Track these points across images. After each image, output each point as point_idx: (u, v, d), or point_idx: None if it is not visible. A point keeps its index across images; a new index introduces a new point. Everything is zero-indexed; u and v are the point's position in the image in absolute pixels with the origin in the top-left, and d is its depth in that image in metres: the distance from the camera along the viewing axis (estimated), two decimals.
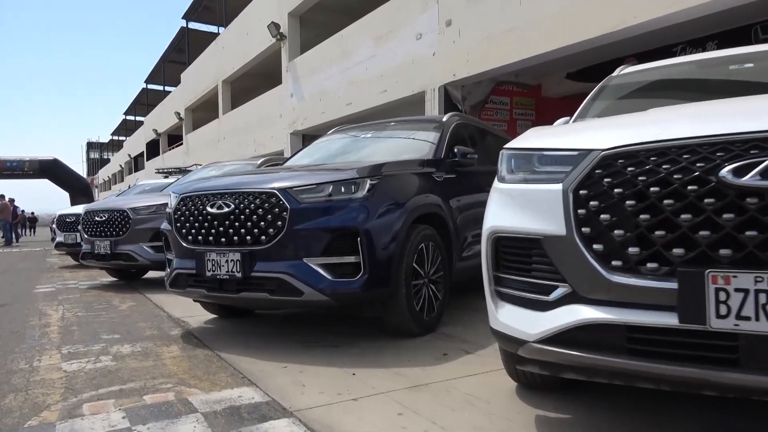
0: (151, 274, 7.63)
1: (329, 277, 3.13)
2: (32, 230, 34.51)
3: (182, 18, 23.43)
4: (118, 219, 6.43)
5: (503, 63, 7.00)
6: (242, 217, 3.25)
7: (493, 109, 8.75)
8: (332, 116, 11.58)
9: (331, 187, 3.24)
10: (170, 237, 3.72)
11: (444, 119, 4.65)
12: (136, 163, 38.24)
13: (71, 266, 10.08)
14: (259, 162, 7.14)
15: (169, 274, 3.72)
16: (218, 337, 3.74)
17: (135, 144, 37.84)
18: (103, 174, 56.53)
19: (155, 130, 29.81)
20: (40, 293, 6.39)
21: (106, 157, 63.88)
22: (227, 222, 3.30)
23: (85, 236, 6.76)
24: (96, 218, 6.60)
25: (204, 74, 21.08)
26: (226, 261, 3.28)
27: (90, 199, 28.83)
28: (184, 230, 3.53)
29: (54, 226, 10.96)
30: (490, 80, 8.67)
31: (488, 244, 2.01)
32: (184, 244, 3.51)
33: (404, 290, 3.36)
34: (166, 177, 11.44)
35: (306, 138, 13.72)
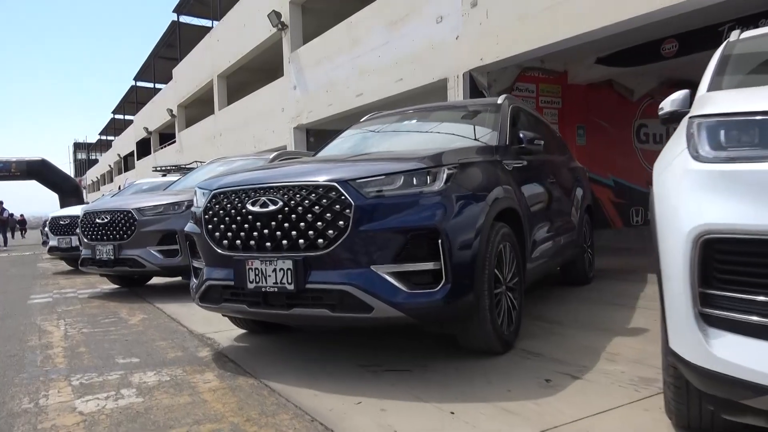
0: (156, 280, 7.01)
1: (404, 289, 2.54)
2: (22, 233, 33.51)
3: (173, 11, 22.67)
4: (122, 221, 5.79)
5: (541, 44, 6.39)
6: (293, 216, 2.65)
7: (519, 97, 8.14)
8: (341, 108, 10.96)
9: (402, 178, 2.65)
10: (198, 241, 3.11)
11: (499, 101, 4.08)
12: (126, 163, 37.28)
13: (66, 272, 9.41)
14: (271, 156, 6.51)
15: (198, 287, 3.10)
16: (258, 359, 3.14)
17: (125, 143, 36.87)
18: (92, 175, 55.27)
19: (146, 129, 28.93)
20: (36, 304, 5.75)
21: (94, 157, 62.61)
22: (274, 222, 2.70)
23: (85, 240, 6.10)
24: (97, 220, 5.95)
25: (198, 69, 20.31)
26: (274, 270, 2.68)
27: (80, 200, 27.94)
28: (217, 233, 2.92)
29: (46, 229, 10.25)
30: (516, 67, 8.11)
31: (692, 250, 1.43)
32: (218, 250, 2.90)
33: (487, 301, 2.80)
34: (164, 175, 10.83)
35: (310, 132, 13.09)
